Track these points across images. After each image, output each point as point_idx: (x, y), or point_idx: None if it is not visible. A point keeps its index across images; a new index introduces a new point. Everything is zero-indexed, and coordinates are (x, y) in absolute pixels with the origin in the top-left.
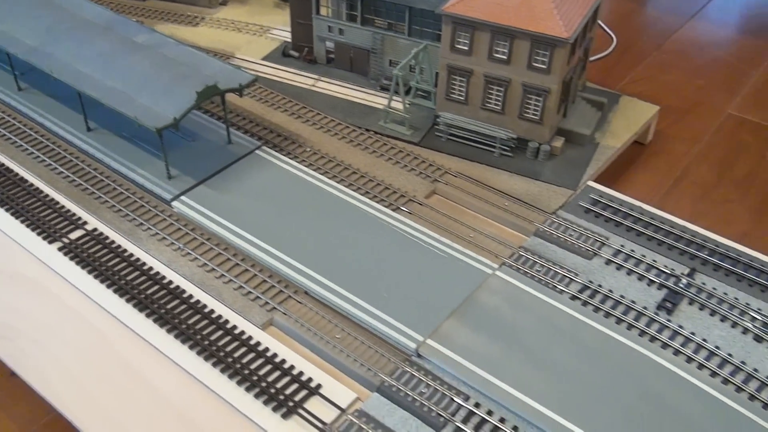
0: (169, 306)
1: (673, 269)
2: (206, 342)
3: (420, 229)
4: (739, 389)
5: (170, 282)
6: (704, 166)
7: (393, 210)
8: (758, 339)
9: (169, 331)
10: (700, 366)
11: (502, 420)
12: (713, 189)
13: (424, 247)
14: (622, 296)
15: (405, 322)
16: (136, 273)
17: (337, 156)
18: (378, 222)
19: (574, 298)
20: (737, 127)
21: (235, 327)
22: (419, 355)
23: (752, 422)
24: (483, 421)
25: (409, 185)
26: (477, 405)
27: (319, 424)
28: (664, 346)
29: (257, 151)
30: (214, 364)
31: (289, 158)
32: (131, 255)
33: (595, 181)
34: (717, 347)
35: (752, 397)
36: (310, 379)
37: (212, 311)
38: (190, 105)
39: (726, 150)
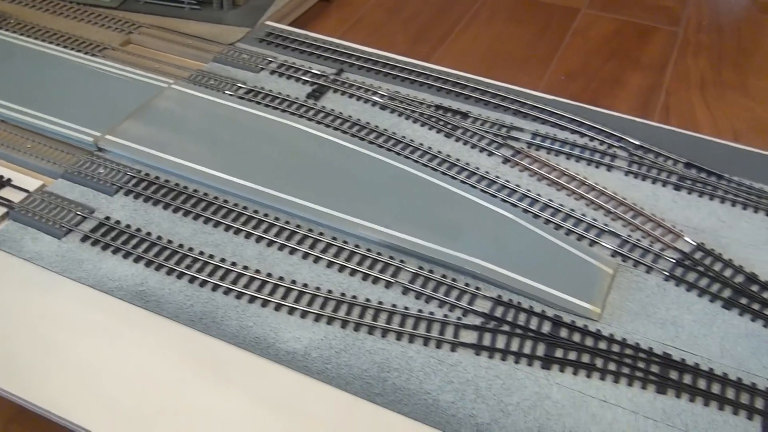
0: None
1: (324, 71)
2: None
3: (109, 64)
4: (361, 138)
5: None
6: (378, 12)
7: (90, 55)
8: (383, 107)
9: None
10: (335, 128)
11: (167, 181)
12: (383, 26)
13: (109, 75)
14: (279, 93)
15: (85, 124)
16: None
17: (40, 23)
18: (72, 63)
19: (240, 98)
20: None
21: None
22: (100, 149)
23: (372, 157)
24: (150, 183)
25: (105, 38)
26: (147, 174)
27: (8, 203)
28: (309, 119)
29: None
30: None
31: None
32: None
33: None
34: (350, 116)
35: (371, 142)
36: (1, 177)
37: None
38: None
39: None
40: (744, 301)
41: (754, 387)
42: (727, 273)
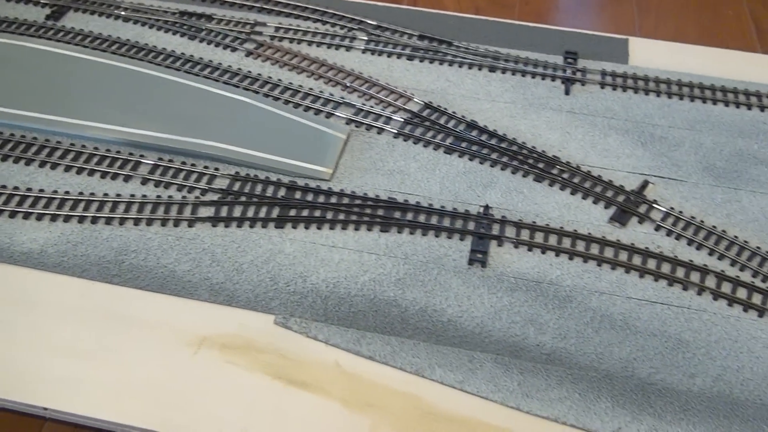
0: None
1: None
2: None
3: None
4: (103, 50)
5: None
6: None
7: None
8: (125, 20)
9: None
10: (75, 44)
11: None
12: None
13: None
14: (16, 18)
15: None
16: None
17: None
18: None
19: None
20: None
21: None
22: None
23: (111, 65)
24: None
25: None
26: None
27: None
28: (48, 39)
29: None
30: None
31: None
32: None
33: None
34: (91, 32)
35: (113, 53)
36: None
37: None
38: None
39: None
40: (464, 145)
41: (467, 213)
42: (451, 124)
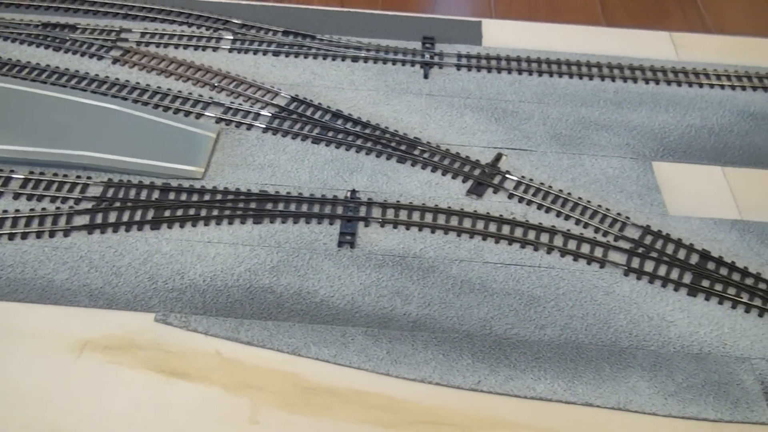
0: None
1: None
2: None
3: None
4: None
5: None
6: None
7: None
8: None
9: None
10: None
11: None
12: None
13: None
14: None
15: None
16: None
17: None
18: None
19: None
20: None
21: None
22: None
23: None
24: None
25: None
26: None
27: None
28: None
29: None
30: None
31: None
32: None
33: None
34: None
35: None
36: None
37: None
38: None
39: None
40: (330, 134)
41: (335, 198)
42: (317, 115)
